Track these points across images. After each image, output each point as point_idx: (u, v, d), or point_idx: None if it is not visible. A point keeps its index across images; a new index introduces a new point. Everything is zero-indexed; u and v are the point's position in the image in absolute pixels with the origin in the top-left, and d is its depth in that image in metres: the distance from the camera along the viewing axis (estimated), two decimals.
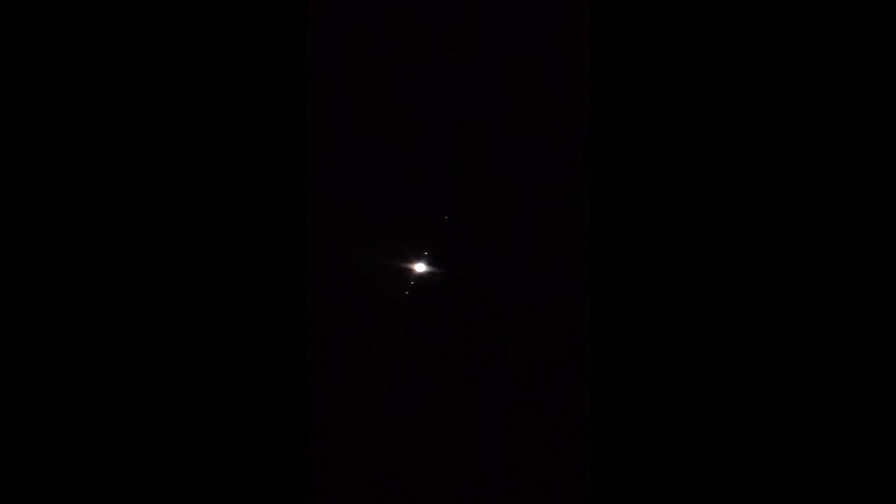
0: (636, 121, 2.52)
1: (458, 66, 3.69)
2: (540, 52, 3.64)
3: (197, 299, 2.51)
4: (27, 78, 2.46)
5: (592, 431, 2.50)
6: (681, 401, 2.44)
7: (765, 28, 2.46)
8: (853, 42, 2.40)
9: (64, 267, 2.45)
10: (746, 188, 2.45)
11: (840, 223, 2.40)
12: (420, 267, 3.69)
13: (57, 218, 2.46)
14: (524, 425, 3.55)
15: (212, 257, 2.53)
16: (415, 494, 3.50)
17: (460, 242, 3.70)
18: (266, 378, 2.54)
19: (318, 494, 3.42)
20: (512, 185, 3.68)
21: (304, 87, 2.67)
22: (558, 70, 3.61)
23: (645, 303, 2.48)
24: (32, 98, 2.47)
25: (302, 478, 2.57)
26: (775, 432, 2.39)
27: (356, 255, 3.66)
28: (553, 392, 3.54)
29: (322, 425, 3.47)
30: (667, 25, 2.51)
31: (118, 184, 2.50)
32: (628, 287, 2.50)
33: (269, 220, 2.57)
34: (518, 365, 3.60)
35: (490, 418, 3.56)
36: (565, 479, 3.46)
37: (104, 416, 2.44)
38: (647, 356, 2.47)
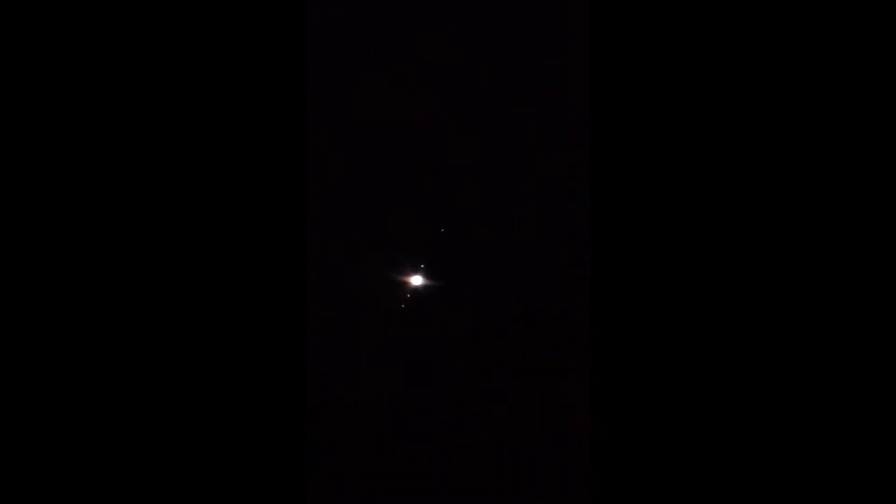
0: (636, 132, 2.54)
1: (457, 75, 3.72)
2: (540, 60, 3.67)
3: (198, 309, 2.52)
4: (27, 78, 2.47)
5: (592, 436, 2.51)
6: (680, 405, 2.45)
7: (764, 28, 2.49)
8: (853, 42, 2.43)
9: (65, 269, 2.45)
10: (746, 190, 2.47)
11: (835, 220, 2.42)
12: (417, 280, 3.70)
13: (57, 218, 2.46)
14: (523, 433, 3.55)
15: (212, 268, 2.54)
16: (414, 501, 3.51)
17: (457, 255, 3.72)
18: (265, 388, 2.54)
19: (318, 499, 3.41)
20: (510, 197, 3.70)
21: (304, 97, 2.70)
22: (558, 78, 3.64)
23: (645, 314, 2.49)
24: (33, 98, 2.48)
25: (302, 485, 2.57)
26: (774, 437, 2.40)
27: (354, 268, 3.68)
28: (552, 400, 3.54)
29: (321, 435, 3.47)
30: (667, 27, 2.53)
31: (118, 188, 2.51)
32: (628, 296, 2.51)
33: (269, 234, 2.59)
34: (516, 376, 3.61)
35: (488, 428, 3.56)
36: (565, 481, 3.46)
37: (106, 417, 2.44)
38: (647, 372, 2.47)
